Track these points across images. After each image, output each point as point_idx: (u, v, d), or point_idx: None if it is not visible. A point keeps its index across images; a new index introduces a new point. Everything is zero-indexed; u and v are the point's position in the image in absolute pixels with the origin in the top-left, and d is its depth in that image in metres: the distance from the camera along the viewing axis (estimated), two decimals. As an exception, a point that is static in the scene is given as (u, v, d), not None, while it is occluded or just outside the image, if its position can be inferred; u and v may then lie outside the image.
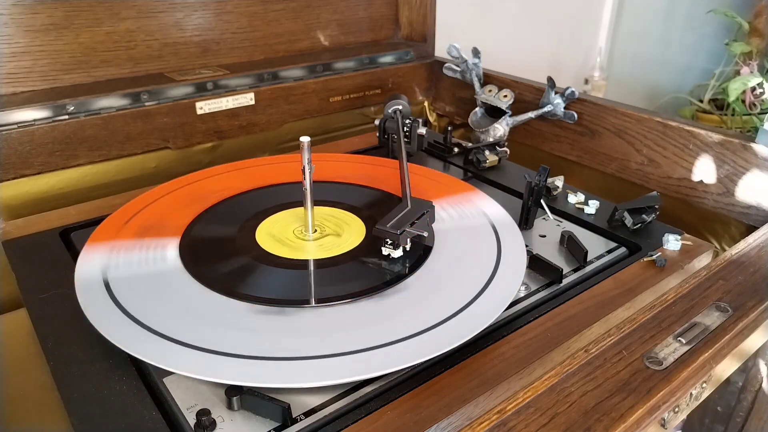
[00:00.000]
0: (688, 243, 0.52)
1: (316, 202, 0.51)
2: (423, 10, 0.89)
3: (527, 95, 0.77)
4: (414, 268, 0.45)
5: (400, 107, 0.69)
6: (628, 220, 0.53)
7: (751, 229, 0.59)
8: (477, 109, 0.76)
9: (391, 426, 0.34)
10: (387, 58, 0.86)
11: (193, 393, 0.36)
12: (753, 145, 0.58)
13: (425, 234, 0.47)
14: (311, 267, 0.45)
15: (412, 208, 0.47)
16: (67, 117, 0.63)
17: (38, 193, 0.63)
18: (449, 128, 0.72)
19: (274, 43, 0.81)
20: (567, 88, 0.72)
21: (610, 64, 1.54)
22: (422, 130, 0.66)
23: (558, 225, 0.55)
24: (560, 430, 0.31)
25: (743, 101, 1.32)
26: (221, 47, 0.77)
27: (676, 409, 0.35)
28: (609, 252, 0.51)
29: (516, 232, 0.49)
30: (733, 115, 1.37)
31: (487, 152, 0.67)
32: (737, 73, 1.35)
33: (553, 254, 0.50)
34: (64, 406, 0.35)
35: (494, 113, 0.75)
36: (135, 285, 0.42)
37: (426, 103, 0.92)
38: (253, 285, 0.43)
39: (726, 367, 0.40)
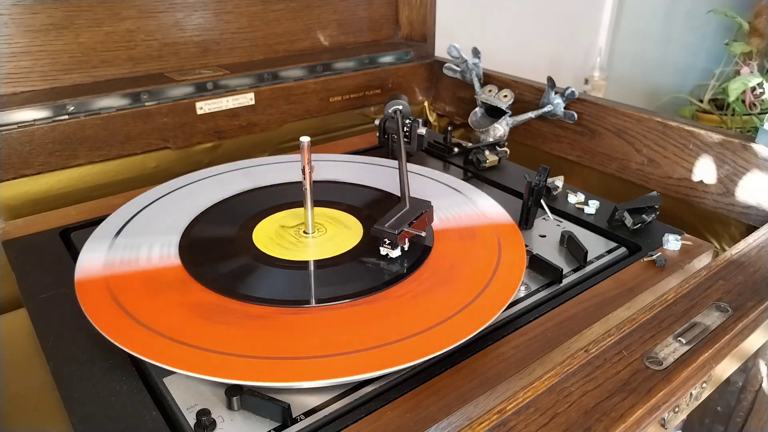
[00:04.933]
0: (688, 243, 0.51)
1: (316, 202, 0.51)
2: (423, 10, 0.89)
3: (527, 95, 0.77)
4: (413, 268, 0.45)
5: (400, 107, 0.69)
6: (628, 220, 0.53)
7: (751, 229, 0.59)
8: (477, 109, 0.76)
9: (391, 426, 0.34)
10: (387, 58, 0.86)
11: (193, 393, 0.36)
12: (753, 145, 0.58)
13: (424, 234, 0.47)
14: (311, 267, 0.45)
15: (411, 208, 0.47)
16: (67, 117, 0.63)
17: (38, 193, 0.63)
18: (449, 128, 0.72)
19: (274, 43, 0.81)
20: (567, 88, 0.72)
21: (610, 64, 1.54)
22: (422, 130, 0.66)
23: (558, 225, 0.55)
24: (560, 430, 0.31)
25: (743, 101, 1.32)
26: (221, 47, 0.77)
27: (676, 409, 0.35)
28: (609, 252, 0.51)
29: (516, 232, 0.49)
30: (733, 115, 1.37)
31: (487, 152, 0.67)
32: (737, 73, 1.35)
33: (553, 254, 0.50)
34: (64, 406, 0.35)
35: (494, 113, 0.75)
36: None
37: (426, 103, 0.92)
38: (254, 285, 0.43)
39: (726, 367, 0.40)
